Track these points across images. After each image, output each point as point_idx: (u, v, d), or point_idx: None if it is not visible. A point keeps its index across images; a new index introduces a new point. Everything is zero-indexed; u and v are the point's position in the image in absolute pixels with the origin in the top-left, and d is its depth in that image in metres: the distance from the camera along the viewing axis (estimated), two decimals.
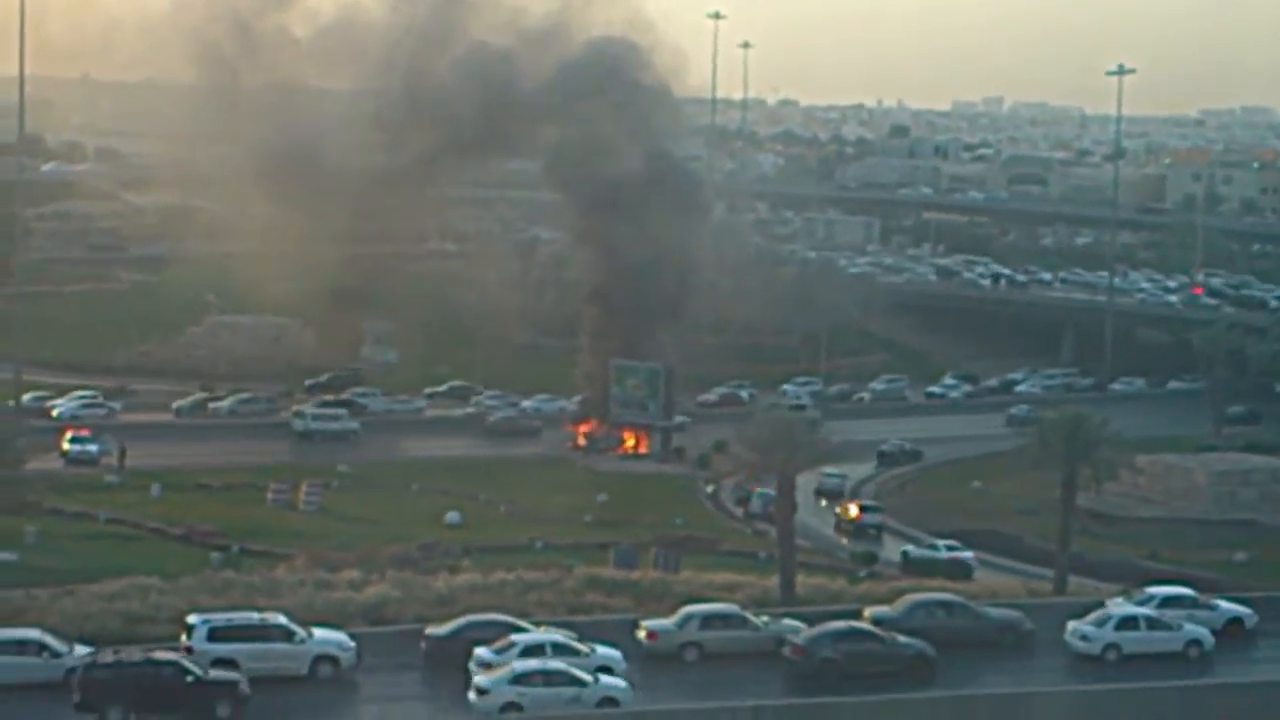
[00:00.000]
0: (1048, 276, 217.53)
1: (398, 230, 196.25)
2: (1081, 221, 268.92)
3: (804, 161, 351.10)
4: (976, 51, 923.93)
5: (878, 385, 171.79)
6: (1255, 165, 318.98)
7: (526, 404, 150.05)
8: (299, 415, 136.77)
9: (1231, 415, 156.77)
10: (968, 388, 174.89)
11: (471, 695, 57.65)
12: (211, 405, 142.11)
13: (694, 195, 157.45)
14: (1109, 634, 65.31)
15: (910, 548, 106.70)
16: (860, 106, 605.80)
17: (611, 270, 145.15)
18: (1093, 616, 66.21)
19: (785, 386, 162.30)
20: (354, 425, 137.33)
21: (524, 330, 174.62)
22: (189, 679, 56.41)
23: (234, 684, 56.93)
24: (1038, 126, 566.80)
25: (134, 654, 57.52)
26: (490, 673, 57.99)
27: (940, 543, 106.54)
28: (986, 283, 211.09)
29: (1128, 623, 65.67)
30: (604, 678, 58.51)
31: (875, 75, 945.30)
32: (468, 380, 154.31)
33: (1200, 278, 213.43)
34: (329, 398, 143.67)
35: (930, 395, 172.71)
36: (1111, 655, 64.82)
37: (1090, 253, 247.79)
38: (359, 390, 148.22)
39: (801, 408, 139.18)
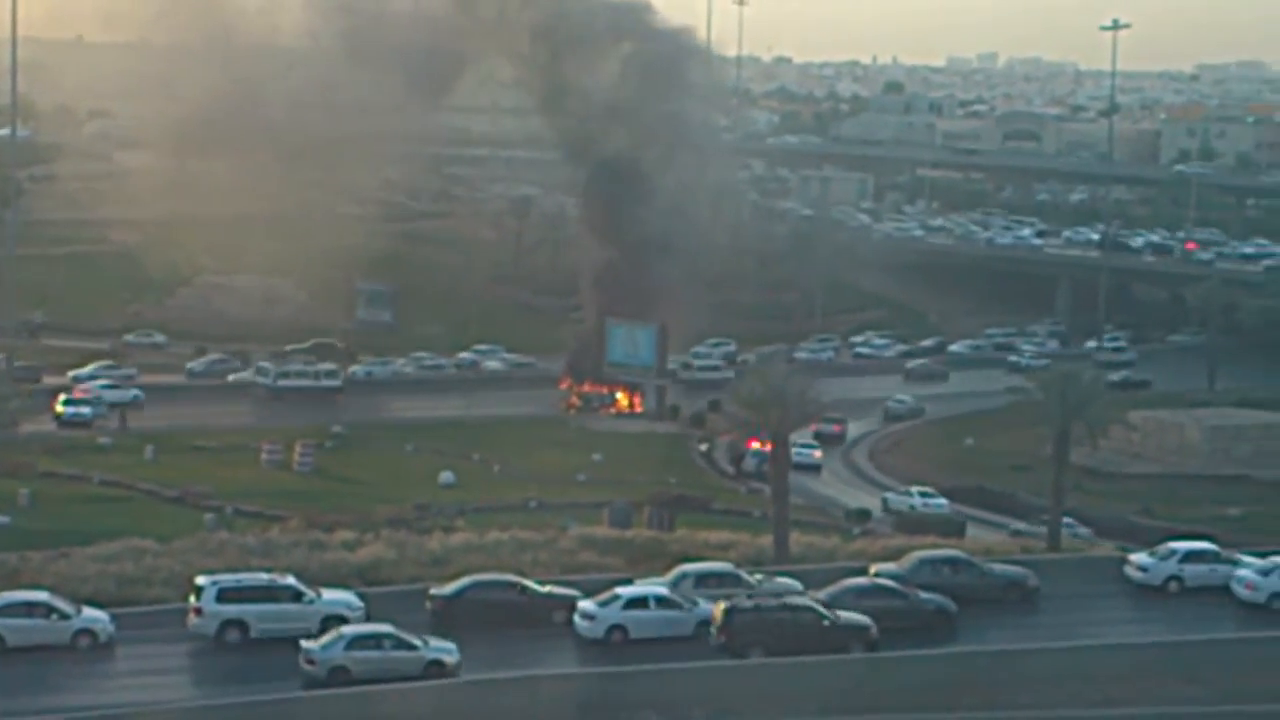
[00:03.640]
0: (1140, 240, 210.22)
1: (388, 189, 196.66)
2: (1076, 177, 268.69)
3: (799, 118, 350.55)
4: (971, 7, 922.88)
5: (810, 346, 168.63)
6: (1250, 120, 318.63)
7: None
8: None
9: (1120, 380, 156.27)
10: (901, 346, 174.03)
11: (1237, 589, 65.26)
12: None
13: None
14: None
15: (890, 495, 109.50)
16: (855, 63, 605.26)
17: (608, 229, 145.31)
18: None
19: (696, 348, 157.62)
20: None
21: (519, 290, 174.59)
22: (825, 623, 58.95)
23: (866, 628, 59.45)
24: (1032, 82, 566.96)
25: (770, 600, 60.19)
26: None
27: (914, 489, 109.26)
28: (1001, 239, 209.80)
29: None
30: None
31: (870, 31, 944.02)
32: (336, 340, 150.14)
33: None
34: None
35: (858, 355, 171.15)
36: None
37: (1085, 209, 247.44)
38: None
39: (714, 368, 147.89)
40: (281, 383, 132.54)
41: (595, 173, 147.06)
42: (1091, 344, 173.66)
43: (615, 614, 61.06)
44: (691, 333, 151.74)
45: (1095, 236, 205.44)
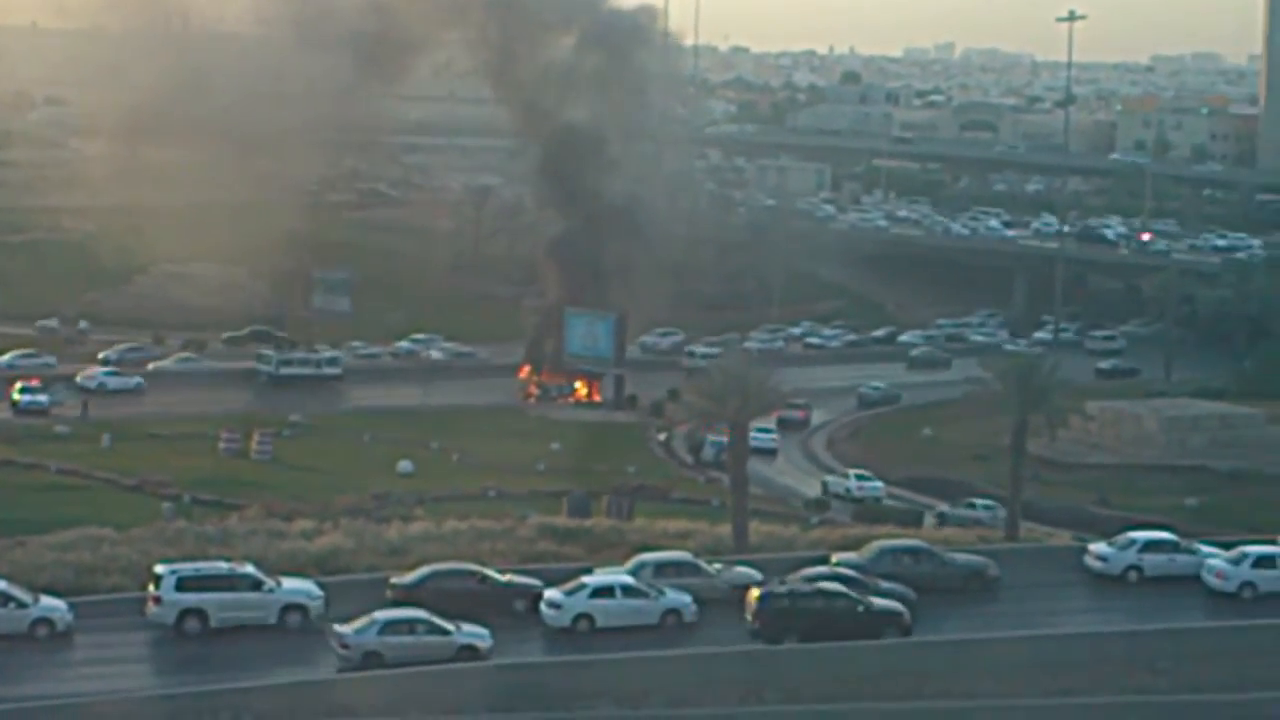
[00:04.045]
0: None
1: (345, 178, 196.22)
2: (1032, 168, 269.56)
3: (756, 108, 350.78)
4: None
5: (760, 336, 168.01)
6: (1205, 111, 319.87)
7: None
8: None
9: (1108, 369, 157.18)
10: (851, 336, 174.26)
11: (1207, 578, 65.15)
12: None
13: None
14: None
15: (830, 478, 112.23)
16: (812, 53, 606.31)
17: (565, 199, 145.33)
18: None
19: (643, 338, 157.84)
20: None
21: (476, 279, 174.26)
22: (860, 609, 59.45)
23: (900, 614, 60.45)
24: (989, 73, 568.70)
25: (803, 586, 60.66)
26: None
27: (851, 472, 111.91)
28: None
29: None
30: None
31: (827, 21, 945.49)
32: (271, 327, 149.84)
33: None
34: None
35: (809, 346, 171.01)
36: None
37: (1041, 199, 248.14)
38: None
39: None
40: (284, 370, 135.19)
41: (552, 141, 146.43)
42: (1040, 334, 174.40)
43: (582, 603, 61.03)
44: (648, 318, 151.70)
45: (1065, 228, 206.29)
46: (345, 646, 56.88)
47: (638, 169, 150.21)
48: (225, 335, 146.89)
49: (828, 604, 59.90)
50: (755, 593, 60.49)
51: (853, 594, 60.54)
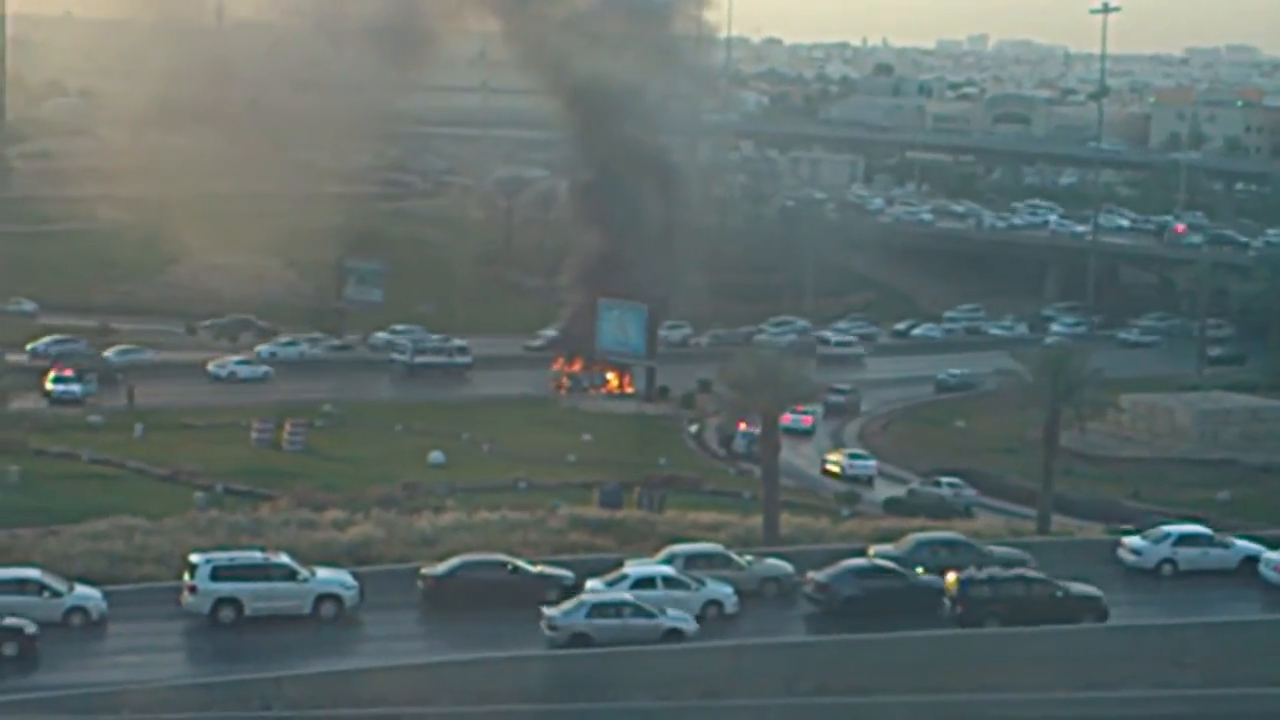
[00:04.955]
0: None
1: (378, 168, 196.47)
2: (1065, 160, 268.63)
3: (789, 100, 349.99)
4: None
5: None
6: (1239, 104, 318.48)
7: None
8: None
9: (1216, 356, 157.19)
10: (866, 329, 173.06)
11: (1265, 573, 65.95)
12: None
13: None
14: None
15: (829, 456, 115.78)
16: (845, 45, 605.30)
17: (592, 149, 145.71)
18: None
19: (702, 332, 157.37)
20: None
21: (507, 270, 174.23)
22: (1058, 594, 61.31)
23: (1097, 599, 61.67)
24: (1022, 65, 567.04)
25: (1002, 572, 62.44)
26: None
27: (846, 451, 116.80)
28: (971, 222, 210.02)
29: None
30: None
31: (860, 13, 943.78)
32: (249, 315, 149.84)
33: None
34: None
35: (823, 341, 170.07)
36: None
37: (1074, 192, 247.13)
38: None
39: None
40: (418, 359, 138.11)
41: (580, 89, 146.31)
42: (1057, 326, 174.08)
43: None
44: (685, 303, 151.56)
45: (1124, 223, 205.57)
46: (554, 628, 58.02)
47: (670, 156, 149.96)
48: (207, 322, 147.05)
49: (1027, 589, 61.12)
50: (953, 578, 61.43)
51: (1051, 579, 61.65)
